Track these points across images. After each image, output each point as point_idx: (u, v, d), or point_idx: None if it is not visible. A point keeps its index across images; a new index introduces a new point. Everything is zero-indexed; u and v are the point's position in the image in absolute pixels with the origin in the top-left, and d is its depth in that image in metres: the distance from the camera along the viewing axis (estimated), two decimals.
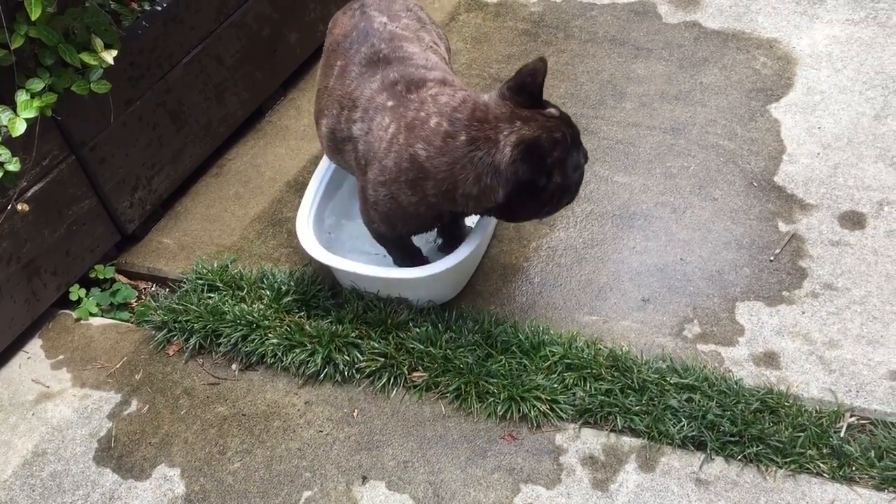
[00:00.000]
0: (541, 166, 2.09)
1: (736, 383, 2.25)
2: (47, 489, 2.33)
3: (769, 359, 2.33)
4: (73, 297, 2.80)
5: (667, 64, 3.29)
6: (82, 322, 2.78)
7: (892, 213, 2.62)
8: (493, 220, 2.53)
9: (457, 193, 2.17)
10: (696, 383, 2.26)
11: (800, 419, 2.16)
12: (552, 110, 2.20)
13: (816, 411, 2.18)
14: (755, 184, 2.79)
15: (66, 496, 2.31)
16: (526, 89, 2.15)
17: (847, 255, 2.53)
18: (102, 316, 2.80)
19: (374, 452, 2.29)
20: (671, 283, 2.55)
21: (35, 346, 2.73)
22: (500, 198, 2.13)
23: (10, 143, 2.38)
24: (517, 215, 2.31)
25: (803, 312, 2.42)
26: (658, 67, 3.29)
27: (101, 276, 2.87)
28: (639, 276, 2.59)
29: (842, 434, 2.13)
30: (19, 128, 2.32)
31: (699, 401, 2.22)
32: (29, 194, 2.54)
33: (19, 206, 2.44)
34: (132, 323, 2.76)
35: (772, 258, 2.56)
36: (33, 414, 2.53)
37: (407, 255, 2.56)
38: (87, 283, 2.87)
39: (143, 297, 2.87)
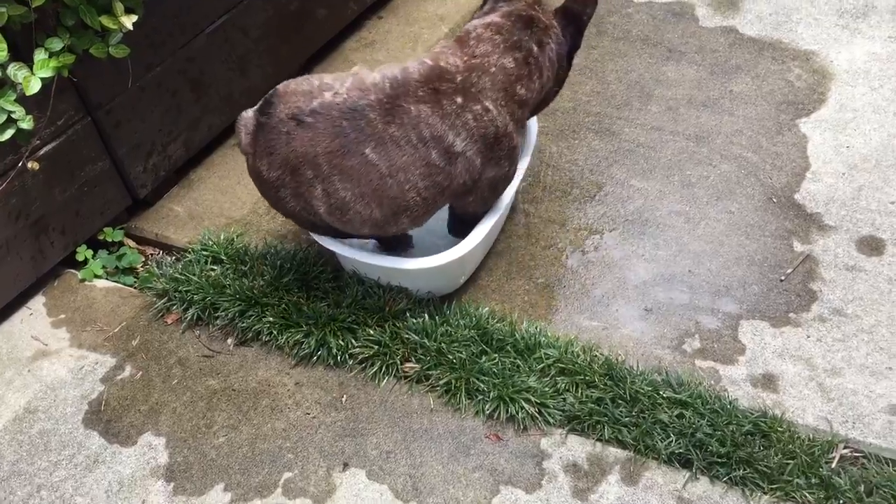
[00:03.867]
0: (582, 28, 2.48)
1: (730, 403, 2.20)
2: (35, 447, 2.36)
3: (767, 381, 2.27)
4: (80, 258, 2.82)
5: (698, 69, 3.21)
6: (86, 283, 2.80)
7: None
8: (499, 214, 2.48)
9: (538, 95, 2.39)
10: (689, 399, 2.21)
11: (791, 446, 2.10)
12: None
13: (809, 439, 2.12)
14: (775, 200, 2.71)
15: (52, 455, 2.33)
16: None
17: (861, 282, 2.45)
18: (107, 279, 2.82)
19: (357, 440, 2.28)
20: (676, 295, 2.50)
21: (38, 302, 2.76)
22: (562, 65, 2.45)
23: (25, 101, 2.38)
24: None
25: (808, 336, 2.35)
26: (689, 71, 3.21)
27: (109, 239, 2.88)
28: (644, 285, 2.54)
29: (833, 465, 2.08)
30: (34, 86, 2.33)
31: (690, 418, 2.18)
32: (41, 153, 2.55)
33: (30, 164, 2.45)
34: (135, 288, 2.77)
35: (782, 278, 2.49)
36: (29, 371, 2.56)
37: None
38: (96, 245, 2.88)
39: (149, 262, 2.88)
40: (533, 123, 2.68)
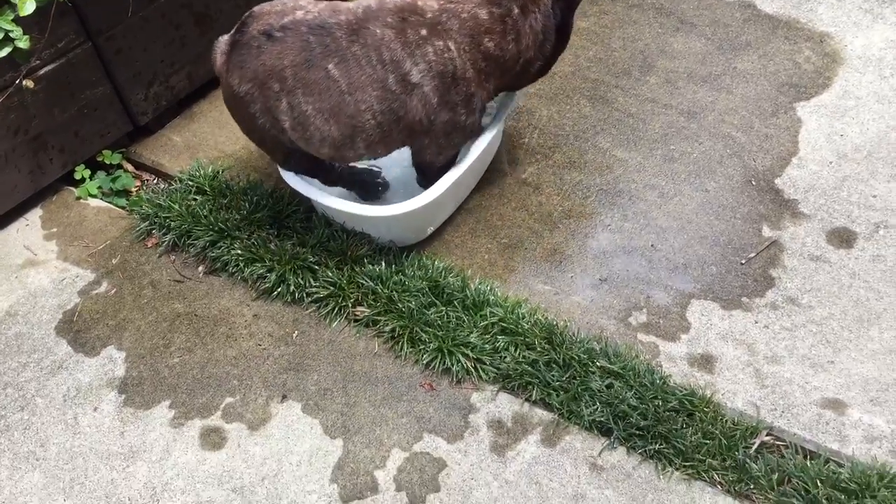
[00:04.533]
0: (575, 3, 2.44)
1: (661, 379, 2.21)
2: (9, 347, 2.53)
3: (705, 361, 2.27)
4: (77, 177, 2.96)
5: (706, 42, 3.14)
6: (81, 201, 2.95)
7: (886, 237, 2.47)
8: (465, 169, 2.50)
9: (517, 65, 2.38)
10: (621, 371, 2.23)
11: (712, 427, 2.11)
12: None
13: (734, 423, 2.13)
14: (754, 182, 2.67)
15: (23, 357, 2.50)
16: None
17: (822, 273, 2.41)
18: (102, 199, 2.96)
19: (300, 375, 2.38)
20: (633, 268, 2.50)
21: (35, 215, 2.92)
22: (551, 45, 2.42)
23: (25, 22, 2.50)
24: (538, 74, 2.54)
25: (756, 322, 2.33)
26: (696, 45, 3.14)
27: (108, 161, 3.02)
28: (604, 255, 2.55)
29: (752, 451, 2.08)
30: (28, 7, 2.43)
31: (619, 389, 2.20)
32: (41, 73, 2.68)
33: (25, 83, 2.58)
34: (125, 210, 2.91)
35: (743, 261, 2.47)
36: (16, 277, 2.73)
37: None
38: (95, 166, 3.03)
39: (142, 188, 3.01)
40: None
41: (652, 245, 2.55)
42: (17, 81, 2.60)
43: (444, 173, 2.49)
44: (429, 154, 2.44)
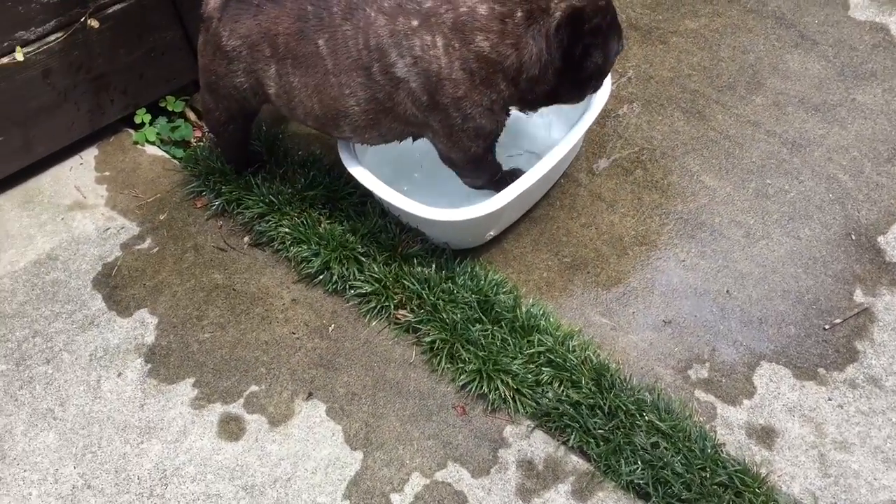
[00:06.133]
0: (587, 35, 2.09)
1: (713, 446, 2.02)
2: (44, 293, 2.47)
3: (765, 434, 2.07)
4: (138, 121, 2.86)
5: (826, 65, 2.84)
6: (138, 147, 2.85)
7: None
8: (539, 178, 2.30)
9: (521, 79, 2.11)
10: (670, 431, 2.04)
11: None
12: None
13: None
14: (853, 236, 2.40)
15: (56, 306, 2.43)
16: None
17: None
18: (160, 146, 2.86)
19: (330, 373, 2.26)
20: (702, 314, 2.29)
21: (90, 154, 2.83)
22: (555, 72, 2.12)
23: None
24: (556, 99, 2.25)
25: (830, 399, 2.11)
26: (814, 66, 2.84)
27: (170, 108, 2.90)
28: (672, 294, 2.33)
29: None
30: None
31: (664, 450, 2.02)
32: (109, 11, 2.56)
33: (90, 21, 2.46)
34: (180, 162, 2.80)
35: (827, 326, 2.23)
36: (62, 219, 2.65)
37: (498, 171, 2.41)
38: (157, 112, 2.91)
39: (203, 138, 2.89)
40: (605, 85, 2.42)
41: (727, 291, 2.32)
42: (81, 19, 2.48)
43: (476, 168, 2.33)
44: (443, 149, 2.28)
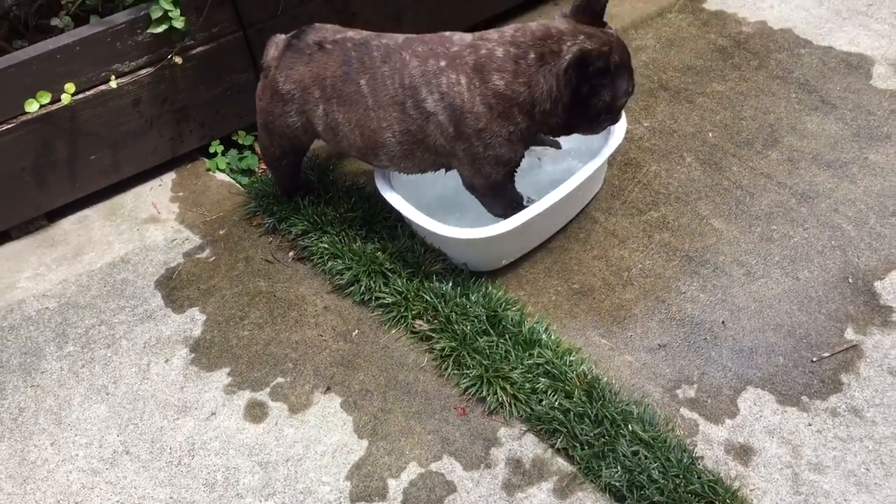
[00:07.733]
0: (594, 76, 2.32)
1: (691, 458, 2.15)
2: (114, 289, 2.82)
3: (743, 452, 2.18)
4: (212, 150, 3.24)
5: (843, 127, 2.99)
6: (210, 173, 3.22)
7: None
8: (547, 209, 2.53)
9: (535, 112, 2.38)
10: (651, 440, 2.18)
11: None
12: (610, 30, 2.40)
13: None
14: (850, 280, 2.52)
15: (122, 301, 2.78)
16: (590, 8, 2.38)
17: None
18: (228, 174, 3.23)
19: (348, 371, 2.50)
20: (696, 341, 2.43)
21: (169, 178, 3.22)
22: (564, 107, 2.36)
23: (184, 5, 2.79)
24: (572, 129, 2.51)
25: (809, 424, 2.21)
26: (832, 127, 2.99)
27: (241, 142, 3.28)
28: (670, 321, 2.49)
29: None
30: None
31: (644, 458, 2.16)
32: (193, 52, 2.97)
33: (175, 58, 2.87)
34: (244, 188, 3.15)
35: (815, 359, 2.34)
36: (137, 230, 3.02)
37: (517, 200, 2.65)
38: (228, 144, 3.30)
39: (265, 171, 3.24)
40: (620, 126, 2.65)
41: (723, 322, 2.47)
42: (168, 57, 2.89)
43: (496, 194, 2.58)
44: (468, 177, 2.56)
